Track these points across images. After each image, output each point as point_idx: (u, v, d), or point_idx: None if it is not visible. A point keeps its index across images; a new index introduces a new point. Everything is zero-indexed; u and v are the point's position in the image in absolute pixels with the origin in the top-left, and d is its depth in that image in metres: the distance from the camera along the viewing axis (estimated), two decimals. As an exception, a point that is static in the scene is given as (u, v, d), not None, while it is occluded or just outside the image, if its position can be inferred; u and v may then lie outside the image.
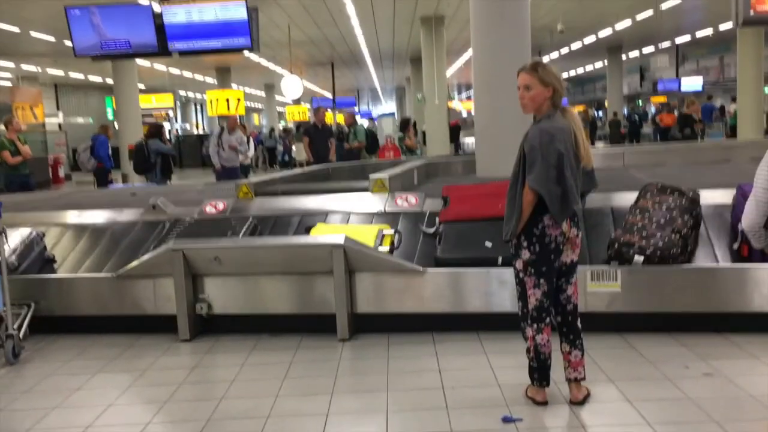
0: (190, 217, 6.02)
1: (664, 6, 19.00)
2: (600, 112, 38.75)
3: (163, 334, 5.04)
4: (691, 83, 27.82)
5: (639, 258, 4.51)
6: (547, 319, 3.48)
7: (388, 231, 5.21)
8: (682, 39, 26.81)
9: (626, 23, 21.60)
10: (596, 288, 4.57)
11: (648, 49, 29.42)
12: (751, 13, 7.45)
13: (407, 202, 5.78)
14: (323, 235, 5.10)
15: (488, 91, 7.71)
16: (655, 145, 16.01)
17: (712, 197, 5.18)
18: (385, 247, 5.04)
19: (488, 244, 4.84)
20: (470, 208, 5.26)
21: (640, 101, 39.67)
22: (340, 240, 4.81)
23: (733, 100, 25.07)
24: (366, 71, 32.42)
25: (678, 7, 19.06)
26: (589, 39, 24.69)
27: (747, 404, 3.44)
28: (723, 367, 3.91)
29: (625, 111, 31.32)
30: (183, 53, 9.34)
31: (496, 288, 4.69)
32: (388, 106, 51.58)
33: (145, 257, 5.13)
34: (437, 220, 5.28)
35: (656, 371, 3.93)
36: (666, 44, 27.85)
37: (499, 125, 7.59)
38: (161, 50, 9.10)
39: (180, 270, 4.93)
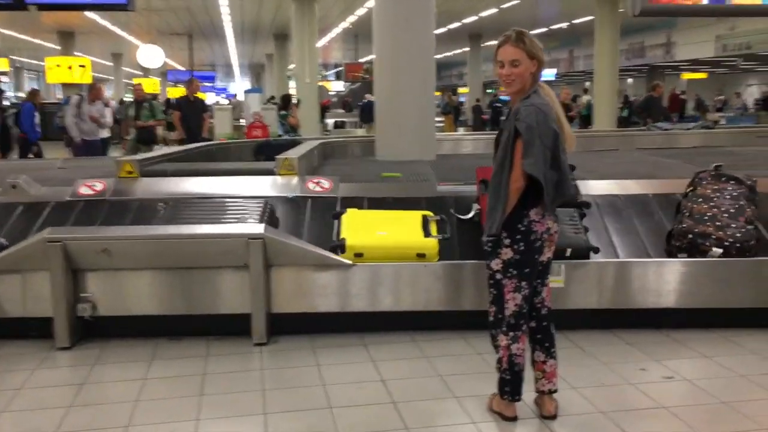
0: (60, 198, 5.10)
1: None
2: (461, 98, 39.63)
3: (35, 342, 4.18)
4: (545, 74, 28.95)
5: (717, 251, 4.26)
6: (524, 326, 3.09)
7: (433, 217, 4.55)
8: (538, 31, 27.83)
9: (492, 11, 21.98)
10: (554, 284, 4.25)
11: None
12: (648, 3, 7.49)
13: (320, 186, 5.21)
14: (240, 225, 4.41)
15: (390, 70, 7.27)
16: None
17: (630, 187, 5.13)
18: (435, 236, 4.38)
19: None
20: None
21: (494, 89, 40.92)
22: (259, 229, 4.18)
23: (585, 91, 26.40)
24: (225, 45, 30.94)
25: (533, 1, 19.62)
26: (454, 25, 24.93)
27: (725, 413, 3.24)
28: (680, 370, 3.72)
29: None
30: (43, 7, 8.06)
31: (431, 284, 4.27)
32: (244, 83, 49.91)
33: (12, 249, 4.22)
34: (474, 205, 4.69)
35: (615, 375, 3.67)
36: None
37: (400, 106, 7.19)
38: (16, 2, 7.78)
39: (58, 264, 4.09)
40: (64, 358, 4.06)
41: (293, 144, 7.55)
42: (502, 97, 29.82)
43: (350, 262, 4.25)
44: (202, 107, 10.88)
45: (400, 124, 7.22)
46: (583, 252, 4.30)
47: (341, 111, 29.47)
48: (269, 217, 4.58)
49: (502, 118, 20.00)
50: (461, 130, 24.39)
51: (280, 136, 11.68)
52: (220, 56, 37.05)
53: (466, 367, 3.79)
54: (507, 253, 3.03)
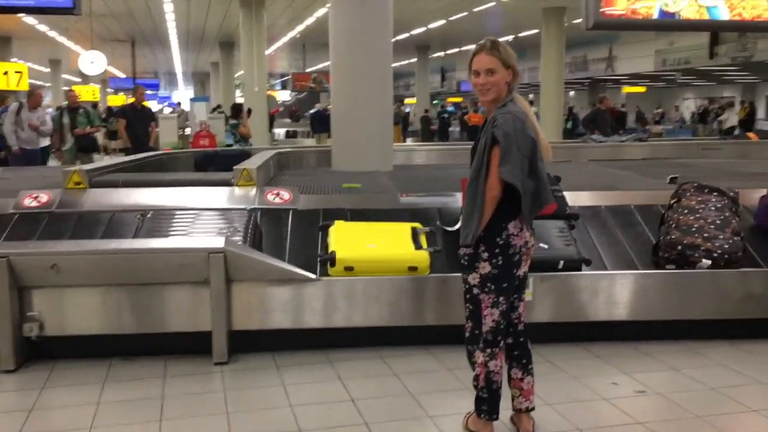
0: (3, 211, 4.82)
1: (476, 9, 19.70)
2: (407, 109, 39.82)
3: (-24, 365, 3.90)
4: (491, 86, 29.23)
5: (706, 262, 4.26)
6: (501, 343, 3.01)
7: (422, 229, 4.46)
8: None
9: (440, 23, 22.12)
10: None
11: (451, 51, 30.55)
12: (601, 17, 7.57)
13: (279, 197, 5.06)
14: (199, 238, 4.23)
15: (347, 78, 7.16)
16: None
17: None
18: (426, 248, 4.28)
19: (543, 245, 4.20)
20: None
21: (440, 100, 41.28)
22: (219, 243, 4.00)
23: (531, 103, 26.80)
24: (169, 53, 30.33)
25: (485, 12, 19.81)
26: (402, 36, 25.00)
27: (699, 427, 3.21)
28: (651, 383, 3.69)
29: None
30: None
31: (397, 298, 4.16)
32: (188, 91, 49.06)
33: (-49, 265, 3.93)
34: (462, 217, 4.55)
35: (587, 390, 3.62)
36: (471, 47, 29.03)
37: (357, 116, 7.08)
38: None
39: (3, 281, 3.83)
40: (10, 381, 3.80)
41: (243, 154, 7.35)
42: (449, 108, 30.12)
43: (314, 276, 4.11)
44: (150, 116, 10.57)
45: (357, 134, 7.11)
46: (576, 264, 4.26)
47: (288, 120, 29.25)
48: (253, 229, 4.44)
49: (451, 128, 19.83)
50: (409, 141, 24.44)
51: (229, 146, 11.44)
52: (164, 64, 36.29)
53: (438, 384, 3.69)
54: (485, 268, 2.95)
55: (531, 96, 36.75)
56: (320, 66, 36.69)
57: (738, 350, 4.17)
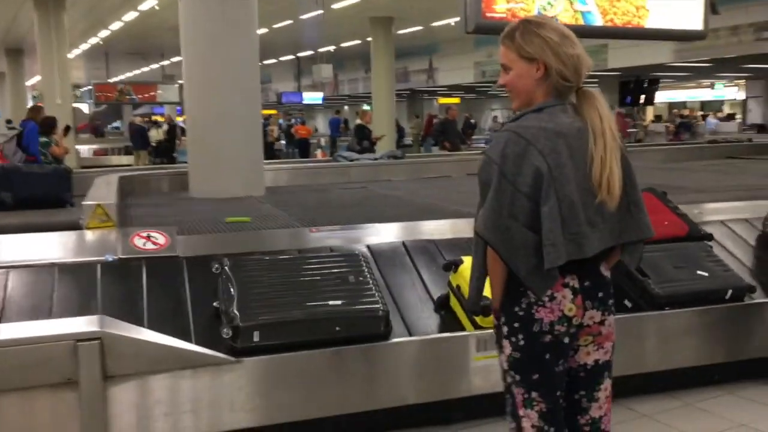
0: None
1: (303, 17, 18.83)
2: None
3: None
4: (313, 96, 28.49)
5: None
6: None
7: None
8: (305, 54, 27.34)
9: (262, 31, 20.91)
10: (484, 360, 3.28)
11: (269, 61, 29.41)
12: (482, 20, 6.95)
13: (152, 241, 3.73)
14: (56, 322, 2.85)
15: (204, 89, 5.90)
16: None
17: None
18: None
19: (702, 273, 3.70)
20: None
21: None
22: (92, 326, 2.69)
23: (357, 114, 26.36)
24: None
25: (310, 21, 19.01)
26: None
27: None
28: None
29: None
30: None
31: (349, 377, 3.08)
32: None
33: None
34: None
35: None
36: (288, 57, 28.09)
37: (220, 133, 5.84)
38: None
39: None
40: None
41: (58, 173, 5.60)
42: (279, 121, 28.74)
43: (233, 358, 2.91)
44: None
45: (220, 154, 5.86)
46: (743, 292, 3.74)
47: (88, 136, 26.26)
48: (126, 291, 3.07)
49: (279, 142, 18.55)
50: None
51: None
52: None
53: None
54: (507, 348, 2.02)
55: (345, 107, 36.67)
56: (123, 76, 33.93)
57: None
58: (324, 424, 3.06)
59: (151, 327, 3.02)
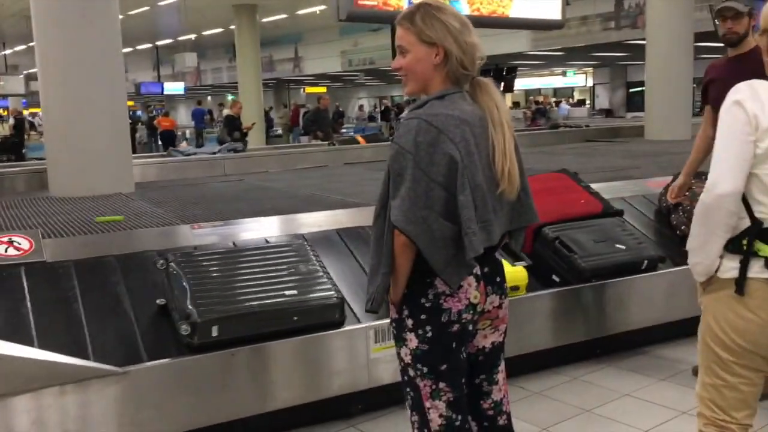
0: None
1: (160, 3, 18.05)
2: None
3: None
4: (174, 87, 27.38)
5: None
6: (467, 447, 2.05)
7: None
8: (164, 42, 26.25)
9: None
10: (382, 351, 3.24)
11: (125, 50, 28.00)
12: (355, 8, 6.93)
13: (14, 247, 3.40)
14: None
15: (61, 76, 5.43)
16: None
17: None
18: (519, 263, 3.63)
19: (620, 246, 3.93)
20: (555, 206, 4.03)
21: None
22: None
23: (220, 105, 25.61)
24: None
25: (169, 7, 18.28)
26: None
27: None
28: None
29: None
30: None
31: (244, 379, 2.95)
32: None
33: None
34: None
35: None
36: (144, 46, 26.87)
37: (82, 127, 5.45)
38: None
39: None
40: None
41: None
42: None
43: (120, 369, 2.70)
44: None
45: (82, 148, 5.43)
46: (656, 263, 4.01)
47: None
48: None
49: (138, 134, 17.69)
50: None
51: None
52: None
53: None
54: (412, 341, 1.98)
55: (209, 98, 35.44)
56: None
57: None
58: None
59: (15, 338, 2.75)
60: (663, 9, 9.92)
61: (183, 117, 34.67)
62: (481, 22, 10.04)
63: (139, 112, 23.78)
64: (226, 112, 12.55)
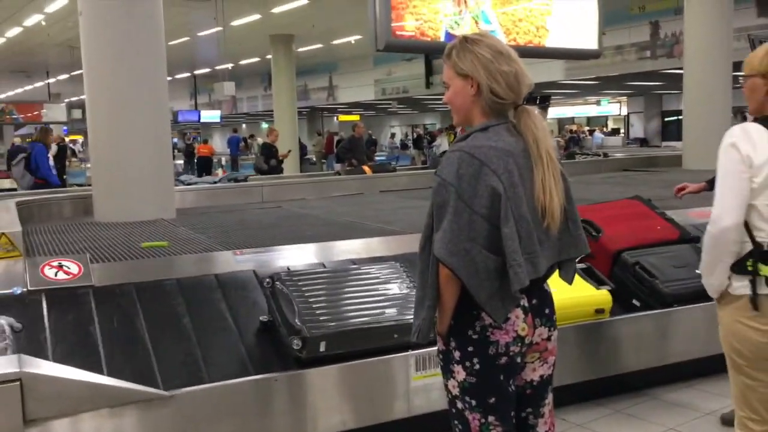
0: None
1: (200, 33, 18.46)
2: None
3: None
4: (210, 115, 27.91)
5: None
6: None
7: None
8: (202, 71, 26.77)
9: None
10: (423, 380, 3.25)
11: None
12: (392, 38, 7.01)
13: (64, 271, 3.50)
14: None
15: (109, 105, 5.61)
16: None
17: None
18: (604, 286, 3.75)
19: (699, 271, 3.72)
20: (631, 232, 4.17)
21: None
22: (11, 366, 2.46)
23: (251, 137, 25.97)
24: None
25: (208, 37, 18.66)
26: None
27: None
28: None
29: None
30: None
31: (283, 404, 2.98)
32: None
33: None
34: None
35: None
36: (184, 75, 27.42)
37: (126, 151, 5.58)
38: None
39: None
40: None
41: None
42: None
43: (168, 393, 2.75)
44: None
45: (126, 175, 5.57)
46: None
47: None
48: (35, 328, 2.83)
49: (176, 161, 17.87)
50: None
51: None
52: None
53: None
54: (459, 373, 1.98)
55: (243, 126, 35.91)
56: (3, 95, 32.11)
57: None
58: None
59: (66, 359, 2.82)
60: (701, 38, 9.88)
61: (218, 144, 35.23)
62: (518, 51, 10.07)
63: (175, 140, 24.17)
64: (259, 140, 12.71)
